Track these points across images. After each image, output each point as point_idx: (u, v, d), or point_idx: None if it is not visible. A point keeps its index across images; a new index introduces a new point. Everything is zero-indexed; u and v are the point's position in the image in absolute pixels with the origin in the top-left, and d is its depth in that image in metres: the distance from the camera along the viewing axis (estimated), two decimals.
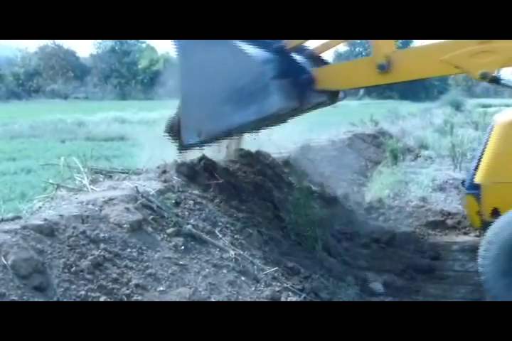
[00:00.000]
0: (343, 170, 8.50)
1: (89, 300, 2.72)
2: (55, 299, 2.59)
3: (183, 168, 4.48)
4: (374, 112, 17.36)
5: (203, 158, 4.76)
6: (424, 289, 4.70)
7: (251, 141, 5.82)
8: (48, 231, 2.92)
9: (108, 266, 3.00)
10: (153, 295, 3.02)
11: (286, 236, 4.71)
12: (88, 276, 2.84)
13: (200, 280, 3.38)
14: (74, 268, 2.82)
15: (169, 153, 4.79)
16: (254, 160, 5.78)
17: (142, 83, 54.82)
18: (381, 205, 7.09)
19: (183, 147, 4.58)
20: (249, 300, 3.44)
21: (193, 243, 3.68)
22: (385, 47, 4.33)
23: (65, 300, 2.62)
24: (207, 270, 3.51)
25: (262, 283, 3.69)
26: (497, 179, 4.49)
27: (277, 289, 3.68)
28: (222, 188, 4.56)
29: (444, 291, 4.65)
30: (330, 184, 7.21)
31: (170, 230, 3.65)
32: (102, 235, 3.19)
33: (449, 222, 6.51)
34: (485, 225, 4.30)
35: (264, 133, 5.78)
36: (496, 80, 4.22)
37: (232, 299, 3.37)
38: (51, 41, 57.56)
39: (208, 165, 4.72)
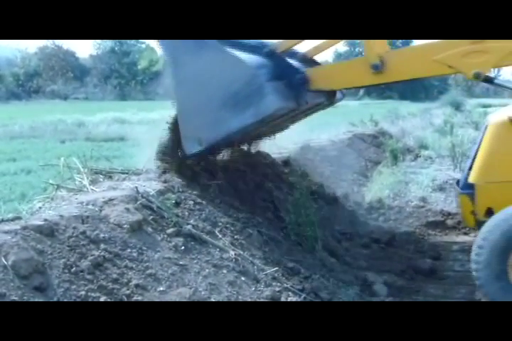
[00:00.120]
0: (343, 170, 8.49)
1: (90, 300, 2.72)
2: (55, 299, 2.60)
3: (183, 168, 4.48)
4: (374, 112, 17.31)
5: (203, 158, 4.76)
6: (424, 289, 4.70)
7: None
8: (48, 231, 2.92)
9: (108, 266, 3.00)
10: (153, 296, 3.02)
11: (286, 237, 4.70)
12: (88, 276, 2.84)
13: (200, 280, 3.38)
14: (74, 268, 2.82)
15: None
16: (254, 160, 5.77)
17: (142, 83, 54.82)
18: (381, 205, 7.09)
19: (186, 157, 4.49)
20: (249, 300, 3.44)
21: (193, 243, 3.69)
22: (377, 47, 4.33)
23: (65, 300, 2.62)
24: (207, 270, 3.51)
25: (262, 283, 3.69)
26: (491, 179, 4.46)
27: (277, 289, 3.68)
28: (222, 188, 4.56)
29: (445, 291, 4.66)
30: (330, 184, 7.19)
31: (170, 230, 3.65)
32: (102, 235, 3.19)
33: (449, 222, 6.51)
34: (479, 225, 4.27)
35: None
36: (489, 80, 4.22)
37: (232, 299, 3.37)
38: (51, 41, 57.71)
39: (208, 166, 4.72)
